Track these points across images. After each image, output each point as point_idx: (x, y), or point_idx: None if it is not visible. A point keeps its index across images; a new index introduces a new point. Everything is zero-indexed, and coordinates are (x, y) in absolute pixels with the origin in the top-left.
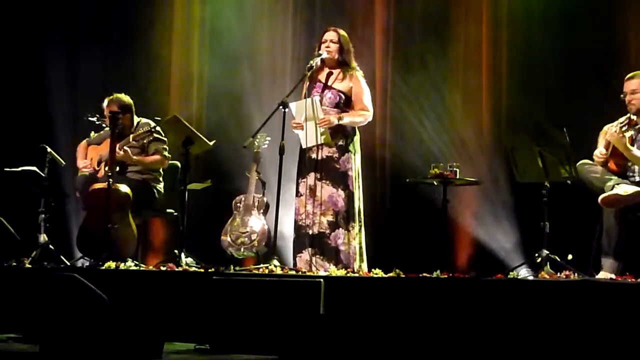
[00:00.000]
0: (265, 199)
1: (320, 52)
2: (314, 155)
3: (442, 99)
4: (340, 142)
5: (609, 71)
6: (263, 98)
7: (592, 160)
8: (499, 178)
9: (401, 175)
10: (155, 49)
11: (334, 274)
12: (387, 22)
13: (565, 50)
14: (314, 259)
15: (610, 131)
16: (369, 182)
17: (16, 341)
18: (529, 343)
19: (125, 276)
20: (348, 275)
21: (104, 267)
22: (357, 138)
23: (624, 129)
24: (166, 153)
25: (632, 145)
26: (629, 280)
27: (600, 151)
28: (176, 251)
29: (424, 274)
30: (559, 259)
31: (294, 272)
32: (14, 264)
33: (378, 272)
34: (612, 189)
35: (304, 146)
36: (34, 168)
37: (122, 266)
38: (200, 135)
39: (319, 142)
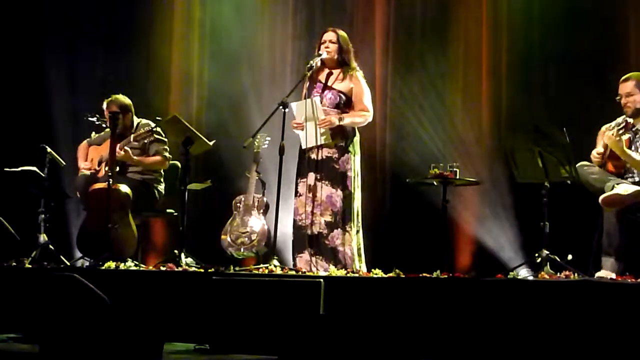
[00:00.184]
0: (265, 199)
1: (320, 52)
2: (313, 156)
3: (442, 99)
4: (340, 143)
5: (608, 72)
6: (263, 98)
7: (590, 161)
8: (499, 178)
9: (401, 176)
10: (155, 49)
11: (334, 274)
12: (387, 22)
13: (565, 50)
14: (314, 259)
15: (607, 134)
16: (369, 183)
17: (16, 341)
18: (529, 343)
19: (125, 276)
20: (348, 275)
21: (104, 267)
22: (357, 139)
23: (620, 131)
24: (167, 154)
25: (630, 148)
26: (629, 280)
27: (597, 151)
28: (176, 251)
29: (424, 274)
30: (559, 259)
31: (294, 272)
32: (14, 264)
33: (378, 272)
34: (612, 189)
35: (304, 147)
36: (34, 168)
37: (122, 266)
38: (200, 135)
39: (319, 143)
